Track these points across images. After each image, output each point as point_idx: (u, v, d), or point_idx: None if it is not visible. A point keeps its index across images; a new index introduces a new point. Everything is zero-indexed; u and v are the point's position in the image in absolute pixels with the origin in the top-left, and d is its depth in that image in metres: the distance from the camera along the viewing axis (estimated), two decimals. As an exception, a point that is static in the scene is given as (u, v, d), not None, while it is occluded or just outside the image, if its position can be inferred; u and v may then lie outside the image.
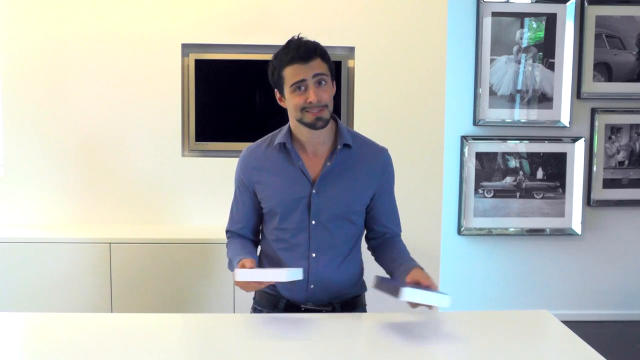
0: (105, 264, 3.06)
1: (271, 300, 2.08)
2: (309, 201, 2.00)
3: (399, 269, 1.99)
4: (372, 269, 2.23)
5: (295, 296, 2.05)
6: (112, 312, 3.04)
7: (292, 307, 2.05)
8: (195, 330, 1.95)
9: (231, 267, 2.03)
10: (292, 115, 1.98)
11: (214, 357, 1.73)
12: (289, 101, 1.95)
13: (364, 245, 2.17)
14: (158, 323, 1.97)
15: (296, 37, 1.97)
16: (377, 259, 2.16)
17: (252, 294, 2.17)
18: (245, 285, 1.89)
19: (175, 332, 1.95)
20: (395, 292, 1.76)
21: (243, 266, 1.89)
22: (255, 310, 2.14)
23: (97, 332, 1.87)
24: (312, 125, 1.94)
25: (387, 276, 2.06)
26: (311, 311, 2.02)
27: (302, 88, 1.91)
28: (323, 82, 1.93)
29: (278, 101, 2.02)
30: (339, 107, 3.31)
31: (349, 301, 2.09)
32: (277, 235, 2.05)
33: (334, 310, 2.06)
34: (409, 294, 1.75)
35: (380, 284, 1.91)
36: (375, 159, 2.06)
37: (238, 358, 1.72)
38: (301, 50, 1.90)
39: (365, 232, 2.16)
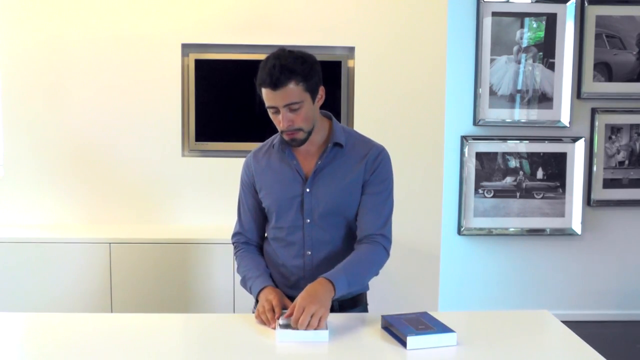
0: (105, 264, 3.06)
1: None
2: (302, 200, 2.02)
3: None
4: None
5: (295, 293, 2.06)
6: (112, 312, 3.04)
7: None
8: (195, 330, 1.95)
9: (244, 284, 2.10)
10: None
11: (214, 357, 1.73)
12: (270, 116, 1.99)
13: None
14: (158, 323, 1.97)
15: (273, 56, 1.91)
16: None
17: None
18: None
19: (175, 332, 1.95)
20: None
21: (268, 301, 1.92)
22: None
23: (97, 332, 1.87)
24: (288, 144, 2.01)
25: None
26: None
27: (276, 112, 1.93)
28: (296, 108, 1.91)
29: None
30: (339, 107, 3.31)
31: (349, 300, 2.10)
32: (275, 234, 2.10)
33: (332, 308, 2.06)
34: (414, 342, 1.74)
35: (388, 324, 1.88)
36: (366, 155, 2.04)
37: (238, 358, 1.72)
38: (268, 78, 1.87)
39: None
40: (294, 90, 1.89)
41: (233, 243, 2.21)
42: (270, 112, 1.96)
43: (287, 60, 1.89)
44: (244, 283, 2.11)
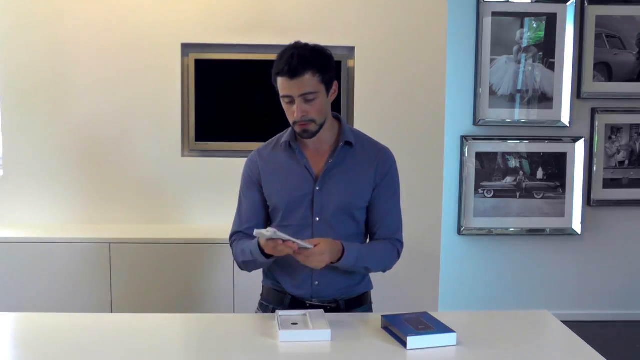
0: (105, 264, 3.06)
1: (277, 297, 2.11)
2: (312, 198, 2.03)
3: None
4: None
5: (301, 292, 2.07)
6: (112, 312, 3.04)
7: (298, 303, 2.07)
8: (195, 330, 1.95)
9: (245, 257, 2.03)
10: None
11: (214, 357, 1.73)
12: (283, 106, 2.01)
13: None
14: (158, 323, 1.97)
15: (291, 47, 1.96)
16: None
17: (259, 290, 2.21)
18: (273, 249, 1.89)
19: (175, 332, 1.95)
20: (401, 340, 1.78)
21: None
22: (261, 305, 2.17)
23: (97, 332, 1.87)
24: (300, 135, 2.02)
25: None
26: (316, 307, 2.03)
27: (290, 102, 1.96)
28: (311, 99, 1.94)
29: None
30: (339, 107, 3.31)
31: (355, 299, 2.11)
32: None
33: (338, 307, 2.07)
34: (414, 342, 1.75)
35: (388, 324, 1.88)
36: (376, 156, 2.08)
37: (239, 358, 1.72)
38: (287, 66, 1.91)
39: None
40: (310, 80, 1.92)
41: (231, 243, 2.15)
42: (284, 102, 1.98)
43: (305, 51, 1.94)
44: (244, 256, 2.03)
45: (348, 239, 2.05)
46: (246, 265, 2.07)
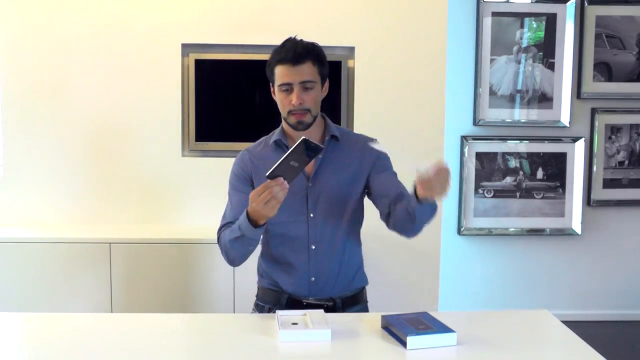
0: (105, 264, 3.06)
1: (274, 296, 2.11)
2: (306, 194, 2.04)
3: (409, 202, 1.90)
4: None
5: (298, 291, 2.07)
6: (112, 312, 3.04)
7: (295, 302, 2.07)
8: (195, 330, 1.95)
9: (234, 236, 1.94)
10: (280, 112, 2.07)
11: (214, 357, 1.73)
12: (277, 97, 2.05)
13: (364, 237, 2.19)
14: (158, 323, 1.97)
15: (293, 37, 2.04)
16: (396, 225, 2.03)
17: (254, 291, 2.19)
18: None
19: (175, 332, 1.95)
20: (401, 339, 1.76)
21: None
22: (257, 306, 2.16)
23: (97, 332, 1.87)
24: (294, 127, 2.04)
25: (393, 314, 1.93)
26: (313, 306, 2.03)
27: (288, 90, 2.00)
28: (309, 87, 2.00)
29: (272, 94, 2.09)
30: (339, 107, 3.30)
31: (351, 297, 2.11)
32: (275, 231, 2.08)
33: (335, 305, 2.07)
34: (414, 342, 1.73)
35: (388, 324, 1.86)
36: (364, 144, 2.09)
37: (238, 358, 1.72)
38: (291, 53, 1.97)
39: (381, 215, 2.08)
40: (310, 69, 1.99)
41: (219, 236, 2.05)
42: (280, 90, 2.00)
43: (305, 42, 2.02)
44: (232, 233, 1.95)
45: (344, 232, 2.07)
46: (233, 246, 1.96)
